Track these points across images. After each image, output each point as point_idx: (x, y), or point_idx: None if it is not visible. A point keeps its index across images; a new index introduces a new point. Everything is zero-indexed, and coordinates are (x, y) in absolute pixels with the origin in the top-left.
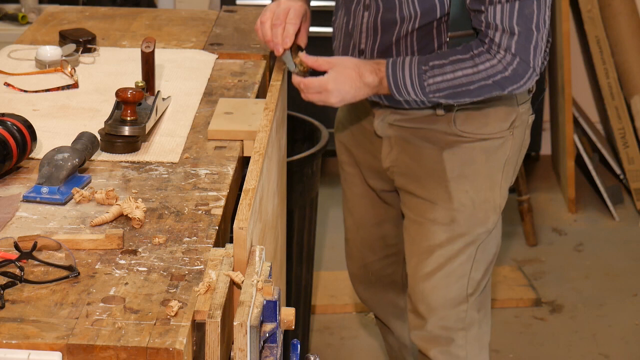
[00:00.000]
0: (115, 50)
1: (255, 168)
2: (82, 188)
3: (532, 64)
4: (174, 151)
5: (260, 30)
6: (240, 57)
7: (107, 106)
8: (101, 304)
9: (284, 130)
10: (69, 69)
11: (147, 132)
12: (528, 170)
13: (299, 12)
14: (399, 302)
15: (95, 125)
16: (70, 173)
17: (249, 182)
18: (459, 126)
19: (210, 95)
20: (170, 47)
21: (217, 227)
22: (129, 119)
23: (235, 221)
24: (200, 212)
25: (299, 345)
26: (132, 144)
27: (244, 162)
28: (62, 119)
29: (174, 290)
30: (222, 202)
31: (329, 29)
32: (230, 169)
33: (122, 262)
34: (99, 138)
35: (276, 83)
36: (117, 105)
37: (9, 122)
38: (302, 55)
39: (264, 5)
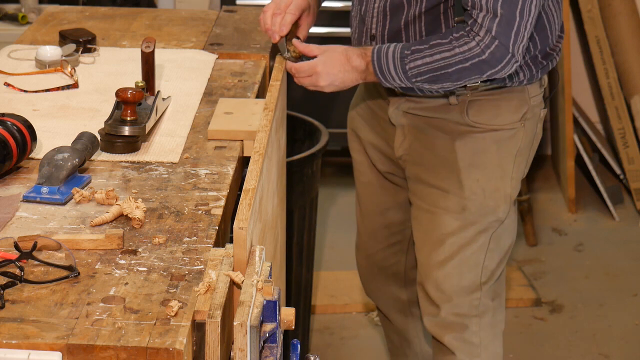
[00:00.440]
0: (115, 50)
1: (255, 168)
2: (82, 188)
3: (511, 49)
4: (174, 151)
5: (262, 19)
6: (240, 57)
7: (107, 106)
8: (101, 304)
9: (283, 130)
10: (69, 69)
11: (147, 132)
12: (528, 170)
13: (300, 5)
14: (401, 296)
15: (95, 125)
16: (70, 173)
17: (249, 182)
18: (471, 117)
19: (210, 95)
20: (170, 47)
21: (217, 227)
22: (129, 119)
23: (235, 221)
24: (200, 212)
25: (299, 345)
26: (132, 144)
27: (244, 162)
28: (62, 119)
29: (174, 290)
30: (222, 202)
31: (335, 30)
32: (230, 169)
33: (122, 262)
34: (99, 138)
35: (276, 83)
36: (117, 105)
37: (9, 122)
38: (295, 41)
39: (264, 5)
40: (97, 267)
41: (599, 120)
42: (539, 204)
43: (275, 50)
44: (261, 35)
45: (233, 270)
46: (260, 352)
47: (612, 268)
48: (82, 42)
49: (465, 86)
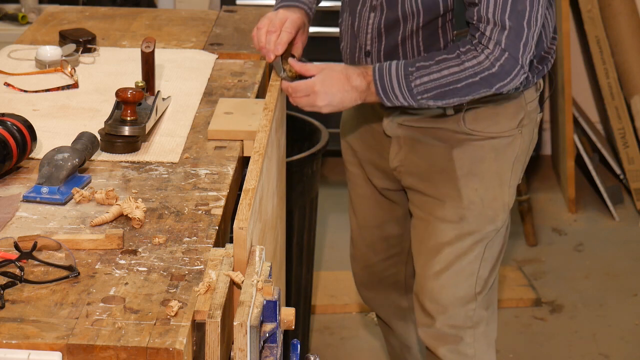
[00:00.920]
0: (115, 50)
1: (255, 168)
2: (82, 188)
3: (520, 61)
4: (174, 151)
5: (256, 36)
6: (240, 57)
7: (107, 106)
8: (101, 304)
9: (283, 130)
10: (69, 69)
11: (147, 132)
12: (528, 170)
13: (296, 23)
14: (402, 303)
15: (95, 125)
16: (70, 173)
17: (249, 182)
18: (469, 125)
19: (210, 95)
20: (170, 47)
21: (217, 227)
22: (129, 119)
23: (235, 221)
24: (200, 212)
25: (299, 345)
26: (132, 144)
27: (244, 162)
28: (62, 119)
29: (174, 290)
30: (222, 202)
31: (331, 29)
32: (230, 169)
33: (122, 262)
34: (99, 138)
35: (276, 83)
36: (117, 105)
37: (9, 122)
38: (291, 60)
39: (264, 6)
40: (97, 267)
41: (599, 120)
42: (539, 204)
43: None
44: None
45: (233, 270)
46: (260, 352)
47: (612, 268)
48: (82, 42)
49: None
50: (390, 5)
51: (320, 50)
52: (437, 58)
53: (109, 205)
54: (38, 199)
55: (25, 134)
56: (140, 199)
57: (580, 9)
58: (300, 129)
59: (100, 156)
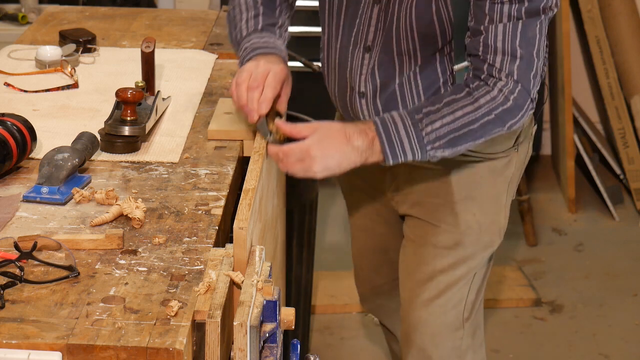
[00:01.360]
0: (115, 50)
1: (255, 168)
2: (82, 188)
3: (531, 93)
4: (174, 151)
5: (235, 93)
6: None
7: (107, 106)
8: (101, 304)
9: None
10: (69, 69)
11: (147, 132)
12: (528, 170)
13: (280, 76)
14: None
15: (95, 125)
16: (70, 173)
17: (249, 182)
18: None
19: (210, 95)
20: (170, 47)
21: (217, 227)
22: (129, 119)
23: (235, 221)
24: (200, 212)
25: (299, 345)
26: (132, 144)
27: (244, 162)
28: (62, 119)
29: (174, 290)
30: (222, 202)
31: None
32: (230, 169)
33: (122, 262)
34: (99, 138)
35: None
36: (117, 105)
37: (9, 122)
38: (279, 122)
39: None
40: (97, 267)
41: (599, 120)
42: (539, 204)
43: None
44: None
45: (233, 270)
46: (260, 352)
47: (612, 268)
48: (82, 42)
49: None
50: (385, 44)
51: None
52: (445, 100)
53: (109, 205)
54: (38, 199)
55: (25, 134)
56: (140, 199)
57: (580, 9)
58: None
59: (100, 156)
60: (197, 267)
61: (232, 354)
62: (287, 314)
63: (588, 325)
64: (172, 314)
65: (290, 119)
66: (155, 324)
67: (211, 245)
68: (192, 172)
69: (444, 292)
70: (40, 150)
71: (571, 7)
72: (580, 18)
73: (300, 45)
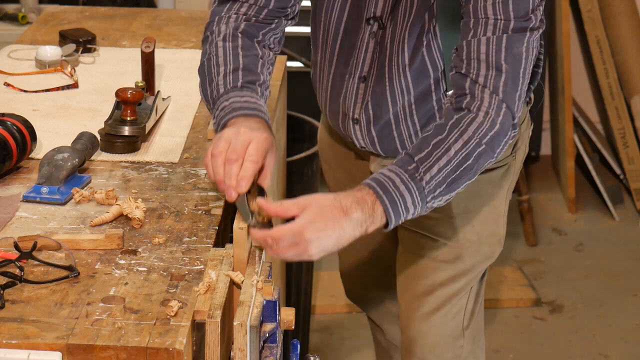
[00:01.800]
0: (115, 50)
1: None
2: (82, 188)
3: (514, 117)
4: (174, 151)
5: (210, 167)
6: None
7: (107, 106)
8: (101, 304)
9: (283, 130)
10: (69, 69)
11: (147, 132)
12: (528, 170)
13: (263, 147)
14: (394, 310)
15: (95, 125)
16: (70, 173)
17: None
18: None
19: None
20: (170, 47)
21: (217, 227)
22: (129, 119)
23: (235, 221)
24: (200, 212)
25: (299, 345)
26: (132, 144)
27: None
28: (62, 119)
29: (174, 290)
30: (222, 202)
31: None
32: None
33: (122, 262)
34: (99, 138)
35: (276, 83)
36: (117, 105)
37: (9, 122)
38: (261, 201)
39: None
40: (97, 267)
41: (599, 120)
42: (539, 204)
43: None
44: None
45: (233, 270)
46: (260, 352)
47: (612, 268)
48: (82, 42)
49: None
50: (380, 76)
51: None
52: (433, 142)
53: (109, 205)
54: (38, 199)
55: (25, 134)
56: (140, 199)
57: (580, 9)
58: (300, 129)
59: (100, 156)
60: (197, 267)
61: (232, 354)
62: (287, 314)
63: (588, 325)
64: (172, 314)
65: (290, 119)
66: (155, 324)
67: (211, 245)
68: (192, 172)
69: (443, 305)
70: (40, 150)
71: (571, 7)
72: (580, 18)
73: (300, 45)
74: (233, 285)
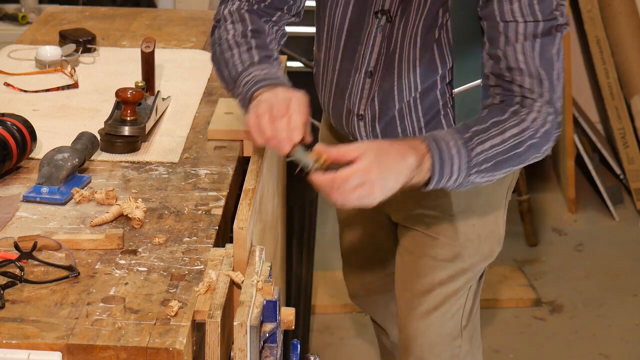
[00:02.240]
0: (115, 50)
1: (255, 168)
2: (82, 188)
3: (558, 117)
4: (174, 151)
5: (256, 127)
6: None
7: (107, 106)
8: (101, 304)
9: None
10: (69, 69)
11: (147, 132)
12: (528, 170)
13: (303, 102)
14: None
15: (95, 125)
16: (70, 173)
17: (249, 182)
18: None
19: (210, 95)
20: (170, 47)
21: (217, 227)
22: (129, 119)
23: (235, 221)
24: (200, 212)
25: (299, 345)
26: (132, 144)
27: (244, 162)
28: (62, 119)
29: (174, 290)
30: (222, 202)
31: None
32: (230, 169)
33: (122, 262)
34: (99, 138)
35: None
36: (117, 105)
37: (9, 122)
38: (320, 146)
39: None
40: (97, 267)
41: (599, 120)
42: (539, 204)
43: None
44: None
45: (233, 270)
46: (260, 352)
47: (612, 268)
48: (82, 42)
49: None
50: (387, 70)
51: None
52: (491, 120)
53: (109, 205)
54: (38, 199)
55: (25, 134)
56: (140, 199)
57: (580, 9)
58: None
59: (100, 156)
60: (197, 267)
61: (232, 354)
62: (287, 314)
63: (588, 325)
64: (172, 314)
65: None
66: (155, 324)
67: (211, 245)
68: (192, 172)
69: (442, 304)
70: (40, 150)
71: (571, 7)
72: (580, 18)
73: (300, 45)
74: (233, 285)
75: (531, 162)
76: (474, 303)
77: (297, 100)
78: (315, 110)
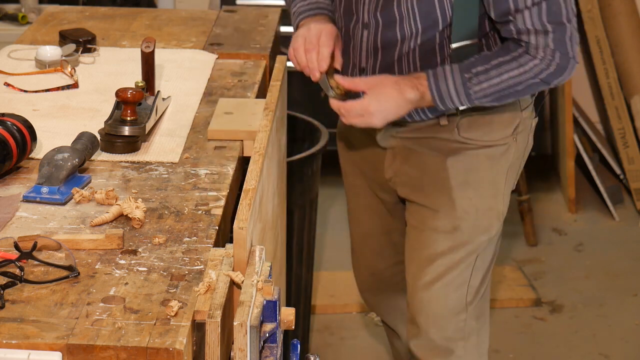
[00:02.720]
0: (115, 50)
1: (255, 168)
2: (82, 188)
3: (571, 54)
4: (174, 151)
5: (295, 58)
6: (240, 57)
7: (107, 106)
8: (101, 304)
9: (284, 130)
10: (69, 69)
11: (147, 132)
12: (528, 170)
13: (331, 34)
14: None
15: (95, 125)
16: (70, 173)
17: (249, 182)
18: (463, 133)
19: (210, 95)
20: (170, 47)
21: (217, 227)
22: (129, 119)
23: (235, 221)
24: (200, 212)
25: (299, 345)
26: (132, 144)
27: (244, 162)
28: (62, 119)
29: (174, 290)
30: (222, 202)
31: None
32: (230, 169)
33: (122, 262)
34: (99, 138)
35: (276, 83)
36: (117, 105)
37: (9, 122)
38: (338, 77)
39: (264, 5)
40: (97, 267)
41: (599, 120)
42: (539, 204)
43: (275, 51)
44: (261, 35)
45: (233, 270)
46: (260, 352)
47: (612, 268)
48: (82, 42)
49: (457, 108)
50: (387, 24)
51: None
52: (493, 62)
53: (109, 205)
54: (38, 199)
55: (25, 134)
56: (140, 199)
57: (580, 9)
58: (300, 129)
59: (100, 156)
60: (197, 267)
61: (232, 354)
62: (287, 314)
63: (588, 325)
64: (172, 314)
65: (290, 119)
66: (155, 324)
67: (211, 245)
68: (192, 172)
69: (444, 275)
70: (40, 150)
71: None
72: (581, 18)
73: None
74: (233, 285)
75: (539, 90)
76: (482, 284)
77: (326, 34)
78: (315, 109)
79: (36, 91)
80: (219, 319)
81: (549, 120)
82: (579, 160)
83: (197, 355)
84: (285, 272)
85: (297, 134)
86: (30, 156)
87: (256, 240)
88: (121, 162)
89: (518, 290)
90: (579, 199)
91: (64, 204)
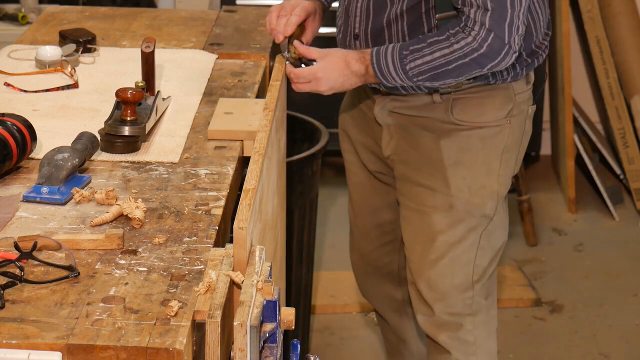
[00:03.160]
0: (115, 50)
1: (255, 168)
2: (82, 188)
3: (507, 40)
4: (174, 151)
5: (268, 20)
6: (240, 57)
7: (107, 106)
8: (101, 304)
9: (283, 130)
10: (69, 69)
11: (147, 132)
12: (528, 170)
13: (306, 8)
14: (396, 295)
15: (95, 125)
16: (70, 173)
17: (249, 182)
18: (456, 115)
19: (210, 95)
20: (170, 47)
21: (217, 227)
22: (129, 119)
23: (235, 221)
24: (200, 212)
25: (299, 345)
26: (132, 144)
27: (244, 162)
28: (62, 119)
29: (174, 290)
30: (222, 202)
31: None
32: (230, 169)
33: (122, 262)
34: (99, 138)
35: (276, 83)
36: (117, 105)
37: (9, 122)
38: (296, 43)
39: (264, 5)
40: (97, 267)
41: (599, 120)
42: (539, 204)
43: (275, 51)
44: (261, 35)
45: (233, 270)
46: (260, 352)
47: (612, 268)
48: (82, 42)
49: (418, 86)
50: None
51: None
52: (429, 40)
53: (109, 205)
54: (38, 199)
55: (25, 134)
56: (140, 199)
57: (580, 9)
58: (300, 129)
59: (100, 156)
60: (197, 267)
61: (232, 354)
62: (287, 314)
63: (588, 325)
64: (172, 314)
65: (290, 119)
66: (155, 324)
67: (211, 245)
68: (192, 172)
69: (447, 252)
70: (40, 150)
71: (571, 7)
72: (580, 18)
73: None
74: (233, 285)
75: (474, 75)
76: (490, 265)
77: (301, 7)
78: (315, 109)
79: (36, 91)
80: (219, 319)
81: (549, 120)
82: (579, 160)
83: (197, 355)
84: (285, 272)
85: (297, 134)
86: (30, 156)
87: (256, 240)
88: (121, 162)
89: (518, 290)
90: (579, 199)
91: (64, 204)
